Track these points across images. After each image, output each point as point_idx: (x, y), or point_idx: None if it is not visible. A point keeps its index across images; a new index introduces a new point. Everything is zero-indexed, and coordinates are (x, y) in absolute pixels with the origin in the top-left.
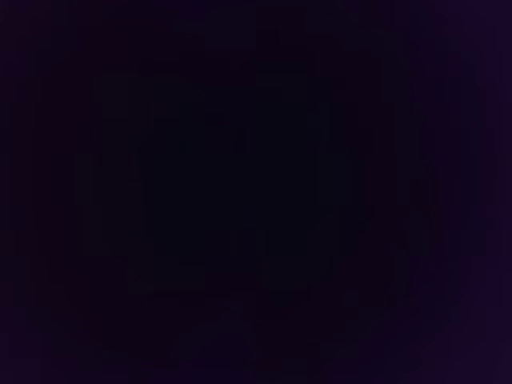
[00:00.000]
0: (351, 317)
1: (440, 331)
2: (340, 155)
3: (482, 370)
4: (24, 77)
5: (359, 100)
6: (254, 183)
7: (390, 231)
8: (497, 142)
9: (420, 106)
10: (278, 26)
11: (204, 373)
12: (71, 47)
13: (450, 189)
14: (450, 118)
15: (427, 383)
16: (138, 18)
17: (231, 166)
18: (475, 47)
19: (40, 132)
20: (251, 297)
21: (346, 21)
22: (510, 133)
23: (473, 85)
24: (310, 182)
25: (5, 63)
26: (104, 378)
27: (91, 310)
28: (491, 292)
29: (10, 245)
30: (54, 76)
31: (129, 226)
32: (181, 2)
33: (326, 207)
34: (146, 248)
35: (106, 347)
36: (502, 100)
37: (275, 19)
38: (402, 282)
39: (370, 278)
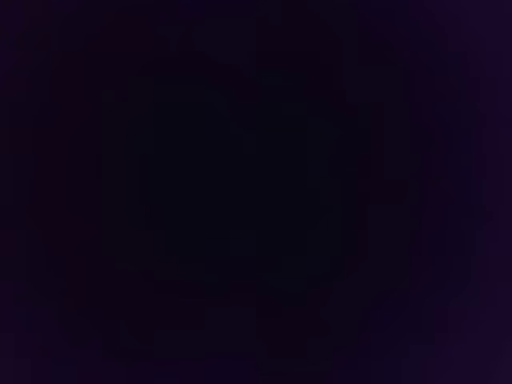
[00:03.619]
0: (351, 316)
1: (441, 331)
2: (339, 156)
3: (482, 370)
4: (23, 76)
5: (357, 103)
6: (254, 184)
7: (389, 231)
8: (495, 142)
9: (419, 106)
10: (278, 31)
11: (204, 372)
12: (71, 47)
13: (449, 187)
14: (449, 117)
15: (427, 383)
16: (139, 20)
17: (231, 167)
18: (475, 47)
19: (39, 132)
20: (251, 296)
21: (346, 30)
22: (509, 132)
23: (472, 84)
24: (310, 182)
25: (5, 63)
26: (104, 377)
27: (90, 311)
28: (492, 292)
29: (9, 244)
30: (53, 76)
31: (129, 226)
32: (181, 6)
33: (326, 207)
34: (147, 248)
35: (106, 347)
36: (502, 99)
37: (275, 24)
38: (401, 281)
39: (369, 278)
